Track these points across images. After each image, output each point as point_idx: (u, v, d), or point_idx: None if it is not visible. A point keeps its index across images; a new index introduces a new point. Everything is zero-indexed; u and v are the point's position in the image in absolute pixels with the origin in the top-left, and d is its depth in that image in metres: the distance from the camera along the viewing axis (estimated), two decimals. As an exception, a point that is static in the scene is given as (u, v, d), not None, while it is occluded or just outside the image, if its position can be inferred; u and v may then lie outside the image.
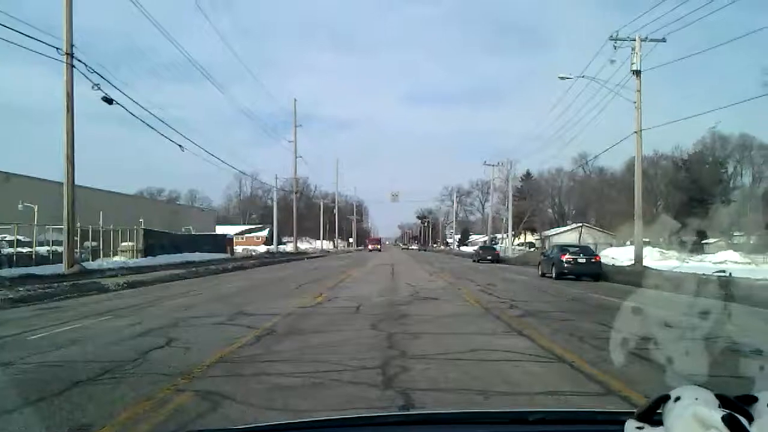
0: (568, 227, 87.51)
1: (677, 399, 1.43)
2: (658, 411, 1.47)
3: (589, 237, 76.20)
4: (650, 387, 6.17)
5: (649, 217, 50.37)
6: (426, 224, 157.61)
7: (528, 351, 8.60)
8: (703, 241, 52.27)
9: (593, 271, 27.50)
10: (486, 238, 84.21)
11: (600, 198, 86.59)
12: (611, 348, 5.95)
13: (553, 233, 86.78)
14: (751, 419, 1.35)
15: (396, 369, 7.23)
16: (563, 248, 30.29)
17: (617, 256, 41.96)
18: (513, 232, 71.49)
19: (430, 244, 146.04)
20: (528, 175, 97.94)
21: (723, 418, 1.29)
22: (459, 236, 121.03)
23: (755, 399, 1.43)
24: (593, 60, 68.11)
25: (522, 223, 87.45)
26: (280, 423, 1.88)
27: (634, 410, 1.53)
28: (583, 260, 28.00)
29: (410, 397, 5.93)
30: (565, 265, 27.66)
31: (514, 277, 28.58)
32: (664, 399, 1.46)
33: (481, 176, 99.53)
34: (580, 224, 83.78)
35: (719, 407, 1.36)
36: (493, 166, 71.99)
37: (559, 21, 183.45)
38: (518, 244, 78.75)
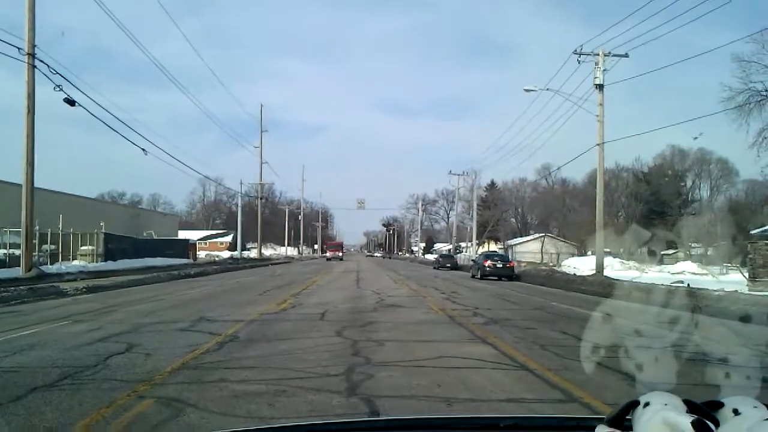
0: (531, 237, 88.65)
1: (646, 404, 1.47)
2: (628, 417, 1.50)
3: (551, 247, 77.30)
4: (613, 394, 6.28)
5: (611, 228, 51.21)
6: (391, 232, 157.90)
7: (491, 358, 8.68)
8: (662, 252, 53.37)
9: (507, 274, 35.69)
10: (450, 246, 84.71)
11: (562, 208, 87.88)
12: (582, 356, 6.04)
13: (516, 242, 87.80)
14: (717, 424, 1.40)
15: (360, 376, 7.23)
16: (487, 256, 40.22)
17: (579, 266, 42.61)
18: (477, 241, 72.00)
19: (395, 252, 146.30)
20: (492, 185, 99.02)
21: (692, 423, 1.33)
22: (424, 244, 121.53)
23: (721, 405, 1.48)
24: (557, 73, 69.25)
25: (486, 232, 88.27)
26: (248, 429, 1.88)
27: (604, 416, 1.57)
28: (500, 265, 36.34)
29: (374, 404, 5.94)
30: (487, 268, 35.97)
31: (476, 285, 28.79)
32: (634, 405, 1.50)
33: (446, 185, 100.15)
34: (543, 234, 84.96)
35: (687, 412, 1.40)
36: (458, 175, 72.53)
37: (525, 35, 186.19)
38: (497, 253, 79.41)
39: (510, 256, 55.63)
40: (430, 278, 35.82)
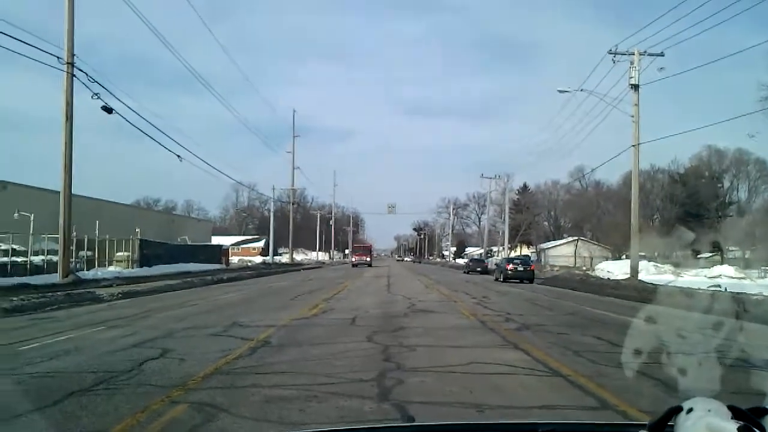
0: (564, 240, 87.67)
1: (690, 410, 1.43)
2: (670, 423, 1.46)
3: (584, 250, 76.34)
4: (649, 402, 6.16)
5: (647, 231, 50.44)
6: (422, 236, 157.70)
7: (524, 364, 8.58)
8: (698, 256, 52.34)
9: (528, 276, 37.31)
10: (482, 250, 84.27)
11: (596, 211, 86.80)
12: (622, 362, 5.92)
13: (549, 246, 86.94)
14: (763, 430, 1.35)
15: (392, 381, 7.20)
16: (509, 260, 42.33)
17: (613, 270, 42.01)
18: (509, 245, 71.50)
19: (426, 257, 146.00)
20: (525, 188, 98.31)
21: (738, 430, 1.29)
22: (455, 248, 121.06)
23: (767, 411, 1.43)
24: (591, 74, 68.55)
25: (518, 235, 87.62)
26: None
27: (643, 423, 1.52)
28: (521, 268, 38.09)
29: (406, 410, 5.90)
30: (509, 272, 37.83)
31: (508, 290, 28.55)
32: (677, 410, 1.45)
33: (478, 189, 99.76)
34: (576, 238, 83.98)
35: (732, 419, 1.35)
36: (490, 179, 72.22)
37: (558, 35, 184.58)
38: (519, 257, 78.76)
39: (542, 260, 56.76)
40: (461, 283, 35.64)
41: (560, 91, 34.06)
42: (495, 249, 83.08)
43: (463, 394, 6.66)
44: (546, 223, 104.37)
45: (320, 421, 5.51)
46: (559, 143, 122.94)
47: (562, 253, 79.85)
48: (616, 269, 41.47)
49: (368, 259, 73.57)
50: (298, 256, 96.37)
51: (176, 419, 5.55)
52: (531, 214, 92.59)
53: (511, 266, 38.53)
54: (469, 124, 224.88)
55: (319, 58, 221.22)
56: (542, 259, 79.28)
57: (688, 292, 18.53)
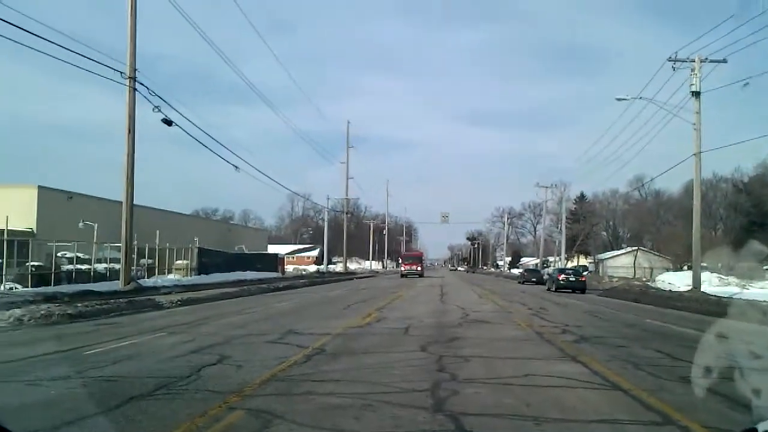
0: (623, 251, 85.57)
1: None
2: None
3: (644, 261, 74.38)
4: (713, 418, 5.94)
5: (708, 242, 48.81)
6: (476, 246, 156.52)
7: (582, 377, 8.38)
8: (765, 267, 50.38)
9: (579, 287, 38.58)
10: (538, 260, 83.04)
11: (656, 221, 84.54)
12: (692, 377, 5.72)
13: (607, 257, 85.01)
14: None
15: (446, 392, 7.14)
16: (561, 270, 44.10)
17: (674, 281, 40.82)
18: (566, 255, 70.24)
19: (479, 266, 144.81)
20: (582, 197, 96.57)
21: None
22: (510, 258, 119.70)
23: None
24: (651, 81, 66.93)
25: (575, 245, 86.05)
26: None
27: None
28: (573, 279, 39.65)
29: (460, 422, 5.83)
30: (561, 281, 39.25)
31: (566, 301, 28.03)
32: None
33: (533, 198, 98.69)
34: (635, 248, 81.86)
35: None
36: (546, 187, 71.23)
37: (616, 43, 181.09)
38: (571, 267, 77.33)
39: (600, 271, 55.77)
40: (516, 293, 35.20)
41: (619, 99, 33.38)
42: (551, 259, 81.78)
43: (519, 407, 6.54)
44: (604, 233, 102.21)
45: (374, 430, 5.50)
46: (618, 152, 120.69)
47: (620, 263, 77.96)
48: (677, 280, 40.28)
49: (419, 268, 68.30)
50: (352, 265, 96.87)
51: (233, 425, 5.63)
52: (588, 224, 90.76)
53: (563, 276, 40.08)
54: (525, 133, 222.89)
55: (376, 68, 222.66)
56: (600, 270, 77.62)
57: (758, 306, 17.82)
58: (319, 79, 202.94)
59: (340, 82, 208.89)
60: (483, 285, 47.16)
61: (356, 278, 61.25)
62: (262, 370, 8.49)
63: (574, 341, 12.60)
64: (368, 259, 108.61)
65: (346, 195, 73.51)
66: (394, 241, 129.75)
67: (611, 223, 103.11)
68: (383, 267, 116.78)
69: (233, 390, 7.12)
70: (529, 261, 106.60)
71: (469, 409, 6.34)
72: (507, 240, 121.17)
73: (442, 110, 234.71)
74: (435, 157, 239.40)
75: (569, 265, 72.06)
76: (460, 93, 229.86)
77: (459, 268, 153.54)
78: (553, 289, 39.31)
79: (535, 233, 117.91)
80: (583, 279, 40.40)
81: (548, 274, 48.31)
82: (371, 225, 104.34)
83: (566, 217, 73.96)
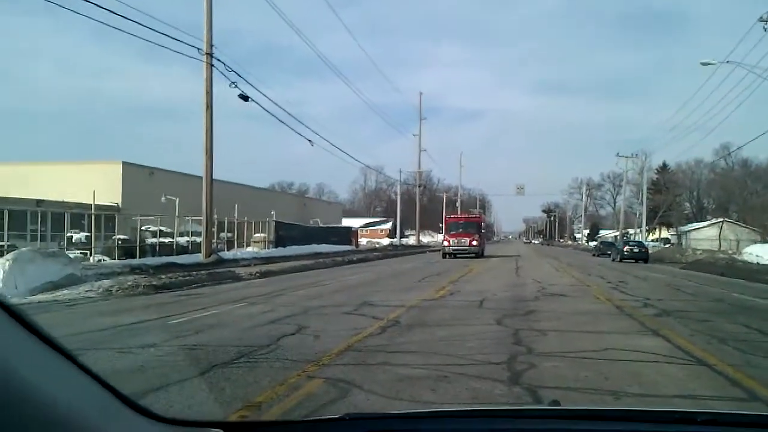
0: (707, 222, 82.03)
1: None
2: None
3: (730, 233, 71.19)
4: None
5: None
6: (552, 218, 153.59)
7: (664, 352, 8.13)
8: None
9: (643, 257, 41.84)
10: (617, 233, 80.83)
11: (743, 192, 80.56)
12: None
13: (691, 228, 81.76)
14: None
15: (523, 365, 7.07)
16: (625, 242, 48.82)
17: (762, 254, 38.91)
18: (647, 227, 68.04)
19: (556, 239, 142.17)
20: (664, 167, 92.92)
21: None
22: (588, 231, 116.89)
23: None
24: (739, 44, 63.46)
25: (657, 217, 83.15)
26: (438, 411, 1.86)
27: None
28: (636, 250, 43.10)
29: (538, 394, 5.77)
30: (625, 252, 42.80)
31: (647, 275, 27.19)
32: None
33: (613, 168, 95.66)
34: (721, 219, 78.32)
35: None
36: (626, 157, 68.90)
37: (703, 5, 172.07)
38: (652, 240, 74.84)
39: (683, 243, 56.16)
40: (594, 266, 34.40)
41: (703, 64, 31.81)
42: (631, 231, 79.35)
43: (597, 381, 6.42)
44: (687, 205, 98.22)
45: (451, 401, 5.50)
46: (703, 119, 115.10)
47: (705, 235, 74.79)
48: (765, 253, 38.40)
49: (475, 242, 41.47)
50: (425, 238, 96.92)
51: (312, 393, 5.75)
52: (671, 195, 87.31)
53: (627, 248, 44.04)
54: (605, 102, 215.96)
55: (449, 38, 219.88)
56: (683, 242, 74.80)
57: None
58: (391, 51, 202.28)
59: (412, 54, 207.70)
60: (560, 258, 46.32)
61: (429, 251, 61.27)
62: (339, 340, 8.63)
63: (656, 315, 12.22)
64: (441, 232, 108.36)
65: (419, 168, 73.32)
66: (467, 214, 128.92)
67: (695, 193, 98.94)
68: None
69: (311, 359, 7.26)
70: (608, 233, 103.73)
71: (546, 382, 6.26)
72: (585, 212, 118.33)
73: (516, 79, 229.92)
74: (509, 127, 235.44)
75: (650, 237, 69.92)
76: (535, 61, 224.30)
77: (533, 241, 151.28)
78: (618, 259, 42.64)
79: (615, 205, 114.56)
80: (645, 250, 43.69)
81: (614, 245, 52.25)
82: (444, 198, 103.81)
83: (647, 188, 71.42)
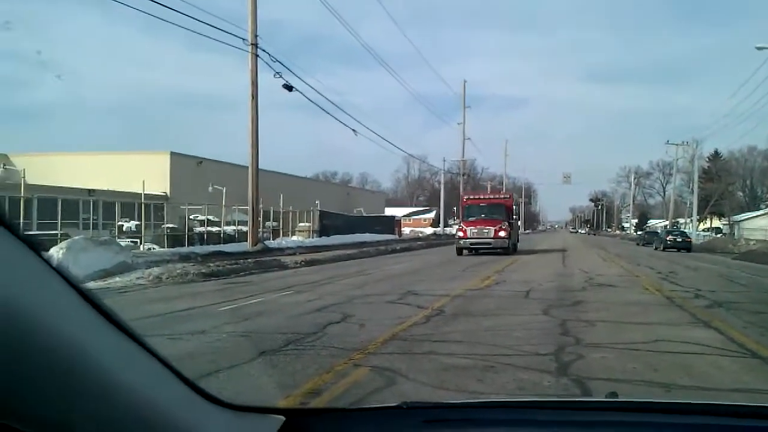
0: (761, 212, 79.49)
1: None
2: None
3: (786, 223, 68.83)
4: None
5: None
6: (599, 207, 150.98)
7: (716, 344, 7.92)
8: None
9: (685, 246, 42.93)
10: (667, 222, 79.02)
11: (801, 180, 77.76)
12: None
13: (744, 218, 79.36)
14: None
15: (570, 356, 6.99)
16: (668, 232, 49.52)
17: (822, 244, 37.57)
18: (698, 217, 66.34)
19: (603, 229, 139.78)
20: (716, 154, 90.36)
21: None
22: (636, 220, 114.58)
23: None
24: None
25: (708, 207, 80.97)
26: (496, 401, 1.85)
27: None
28: (680, 239, 44.14)
29: (586, 386, 5.70)
30: (668, 241, 44.02)
31: (698, 265, 26.54)
32: None
33: (662, 156, 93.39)
34: (776, 209, 75.85)
35: None
36: (676, 145, 67.10)
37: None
38: (703, 230, 72.99)
39: (735, 233, 56.01)
40: (643, 256, 33.74)
41: (759, 48, 30.73)
42: (681, 221, 77.45)
43: (647, 372, 6.30)
44: (740, 194, 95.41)
45: (498, 392, 5.48)
46: (757, 106, 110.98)
47: (758, 225, 72.42)
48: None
49: (502, 234, 30.56)
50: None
51: (359, 382, 5.79)
52: (723, 184, 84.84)
53: (670, 237, 45.38)
54: (654, 88, 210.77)
55: (493, 24, 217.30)
56: (735, 232, 72.68)
57: None
58: (434, 39, 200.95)
59: (456, 41, 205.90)
60: (607, 248, 45.57)
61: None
62: (384, 329, 8.67)
63: (707, 306, 11.93)
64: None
65: (462, 156, 72.76)
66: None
67: (748, 182, 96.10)
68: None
69: (357, 347, 7.31)
70: (657, 223, 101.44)
71: (595, 374, 6.18)
72: (633, 201, 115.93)
73: (564, 66, 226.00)
74: (557, 115, 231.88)
75: (701, 227, 68.26)
76: (581, 47, 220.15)
77: (580, 231, 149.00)
78: (661, 248, 43.90)
79: (664, 194, 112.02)
80: (689, 240, 45.30)
81: (656, 234, 53.78)
82: (489, 187, 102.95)
83: (699, 177, 69.55)
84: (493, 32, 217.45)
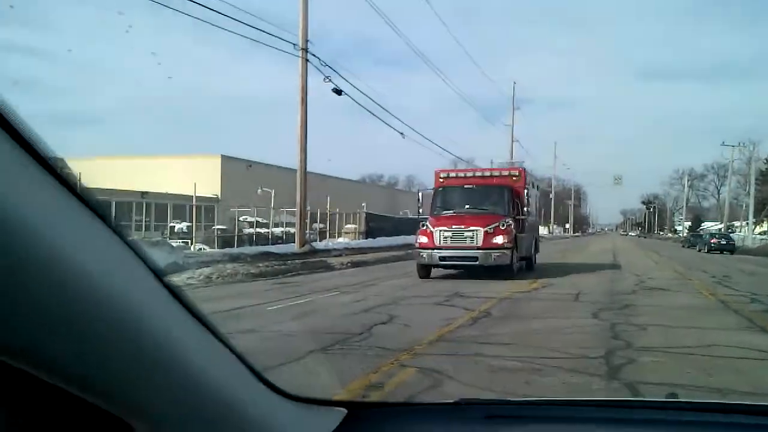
0: (823, 215, 76.53)
1: None
2: None
3: None
4: None
5: None
6: (651, 210, 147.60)
7: (775, 350, 7.67)
8: None
9: (729, 248, 46.60)
10: (721, 225, 76.79)
11: None
12: None
13: (804, 221, 76.55)
14: None
15: (621, 360, 6.85)
16: (712, 235, 52.73)
17: None
18: (754, 220, 64.24)
19: (655, 231, 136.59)
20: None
21: None
22: (689, 223, 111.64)
23: None
24: None
25: (765, 209, 78.33)
26: (556, 399, 1.84)
27: None
28: (724, 242, 47.89)
29: (637, 390, 5.59)
30: (712, 244, 47.69)
31: (755, 269, 25.71)
32: None
33: (717, 158, 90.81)
34: (839, 211, 72.83)
35: None
36: (732, 146, 65.18)
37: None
38: (759, 233, 70.64)
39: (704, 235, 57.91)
40: (696, 260, 32.88)
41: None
42: (736, 224, 75.13)
43: (701, 377, 6.14)
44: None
45: (547, 395, 5.42)
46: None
47: (820, 228, 69.88)
48: None
49: (499, 239, 17.18)
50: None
51: (405, 382, 5.80)
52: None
53: (714, 240, 48.79)
54: (710, 88, 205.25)
55: (539, 25, 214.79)
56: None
57: None
58: (483, 38, 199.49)
59: (505, 42, 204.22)
60: (659, 251, 44.54)
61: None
62: (430, 330, 8.66)
63: (765, 311, 11.56)
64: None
65: (511, 158, 72.07)
66: (561, 206, 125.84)
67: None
68: (549, 232, 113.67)
69: (403, 348, 7.32)
70: (711, 226, 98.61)
71: (646, 378, 6.06)
72: (686, 203, 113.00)
73: (614, 64, 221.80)
74: (607, 116, 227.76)
75: (757, 230, 66.12)
76: (633, 45, 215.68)
77: (630, 234, 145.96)
78: (705, 250, 46.85)
79: (719, 196, 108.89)
80: (732, 243, 48.48)
81: (701, 236, 55.85)
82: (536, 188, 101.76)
83: (756, 179, 67.33)
84: (543, 28, 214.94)
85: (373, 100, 41.01)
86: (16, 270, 0.56)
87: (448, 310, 11.07)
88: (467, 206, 18.66)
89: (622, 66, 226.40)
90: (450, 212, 18.63)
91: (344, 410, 1.31)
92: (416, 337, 8.13)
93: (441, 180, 20.38)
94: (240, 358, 0.95)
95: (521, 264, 19.55)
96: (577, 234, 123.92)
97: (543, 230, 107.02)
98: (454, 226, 17.51)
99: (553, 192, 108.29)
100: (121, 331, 0.67)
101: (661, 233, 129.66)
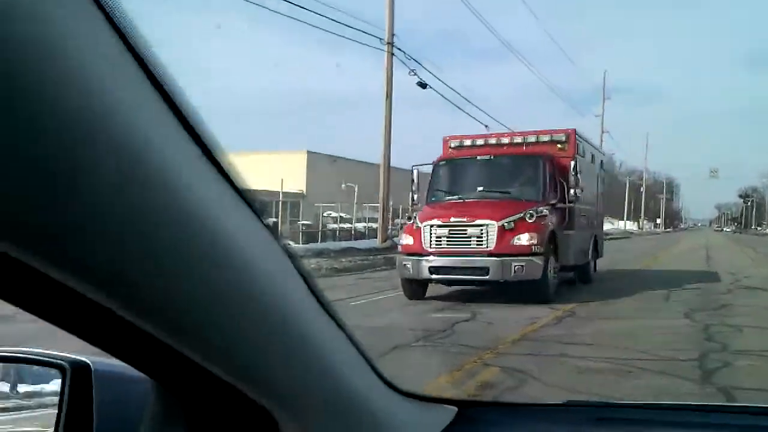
0: None
1: None
2: None
3: None
4: None
5: None
6: (749, 204, 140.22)
7: None
8: None
9: None
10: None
11: None
12: None
13: None
14: None
15: (715, 363, 6.59)
16: None
17: None
18: None
19: (752, 227, 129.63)
20: None
21: None
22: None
23: None
24: None
25: None
26: (665, 403, 1.81)
27: None
28: None
29: (733, 396, 5.37)
30: None
31: None
32: None
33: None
34: None
35: None
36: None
37: None
38: None
39: None
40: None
41: None
42: None
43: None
44: None
45: (635, 398, 5.29)
46: None
47: None
48: None
49: (524, 238, 10.90)
50: (605, 226, 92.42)
51: (489, 381, 5.80)
52: None
53: None
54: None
55: (641, 9, 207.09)
56: None
57: None
58: (573, 23, 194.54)
59: (596, 29, 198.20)
60: (757, 248, 42.22)
61: (609, 239, 58.35)
62: (513, 328, 8.60)
63: None
64: (623, 219, 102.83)
65: (600, 150, 70.20)
66: (652, 200, 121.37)
67: None
68: (639, 227, 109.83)
69: (486, 346, 7.31)
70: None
71: (742, 383, 5.80)
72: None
73: (712, 51, 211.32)
74: (703, 106, 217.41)
75: None
76: (734, 31, 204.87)
77: (725, 229, 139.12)
78: None
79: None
80: None
81: None
82: (627, 182, 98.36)
83: None
84: (640, 17, 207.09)
85: (456, 92, 40.71)
86: (194, 267, 0.57)
87: (531, 308, 10.85)
88: (480, 188, 12.53)
89: (724, 53, 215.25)
90: (454, 198, 12.80)
91: (455, 408, 1.33)
92: (499, 335, 8.10)
93: (451, 150, 14.73)
94: (362, 352, 1.00)
95: (570, 275, 14.23)
96: (668, 230, 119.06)
97: (632, 225, 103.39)
98: (452, 219, 11.52)
99: (644, 185, 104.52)
100: (281, 325, 0.73)
101: (759, 228, 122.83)
